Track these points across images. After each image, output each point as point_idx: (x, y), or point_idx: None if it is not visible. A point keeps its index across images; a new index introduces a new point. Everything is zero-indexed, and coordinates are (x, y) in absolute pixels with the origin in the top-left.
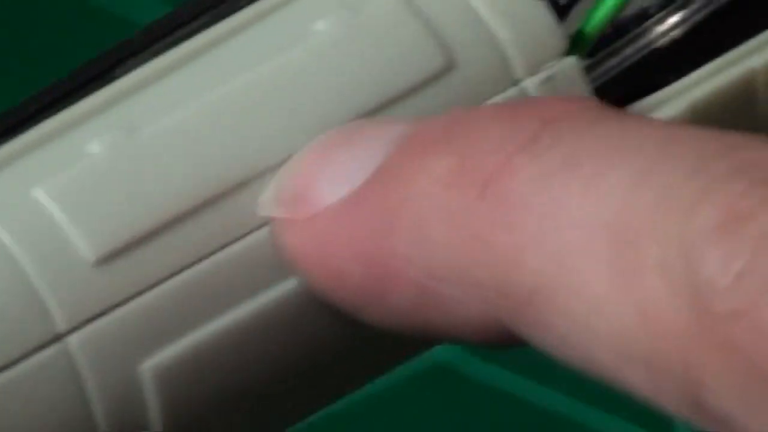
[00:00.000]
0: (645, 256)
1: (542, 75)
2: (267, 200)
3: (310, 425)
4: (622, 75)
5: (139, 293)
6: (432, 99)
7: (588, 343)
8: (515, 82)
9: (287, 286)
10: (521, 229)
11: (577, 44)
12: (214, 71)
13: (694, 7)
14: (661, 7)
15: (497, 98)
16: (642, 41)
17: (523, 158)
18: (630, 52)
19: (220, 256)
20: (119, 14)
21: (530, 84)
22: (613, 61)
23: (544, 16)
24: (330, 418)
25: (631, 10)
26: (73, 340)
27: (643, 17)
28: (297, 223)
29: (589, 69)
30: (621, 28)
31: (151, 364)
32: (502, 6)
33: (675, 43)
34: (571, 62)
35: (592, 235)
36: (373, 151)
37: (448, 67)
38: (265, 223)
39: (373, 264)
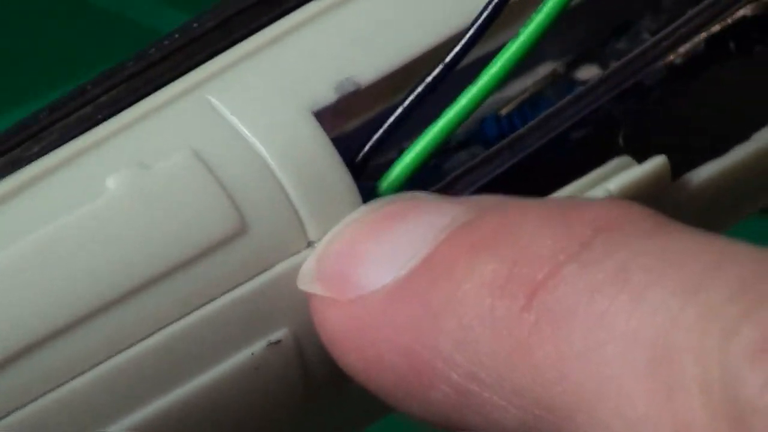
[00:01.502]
0: (685, 375)
1: None
2: (308, 274)
3: None
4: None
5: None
6: (224, 263)
7: None
8: (309, 244)
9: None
10: (566, 342)
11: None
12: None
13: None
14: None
15: (291, 260)
16: None
17: (573, 268)
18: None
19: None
20: (118, 14)
21: None
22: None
23: (340, 176)
24: None
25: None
26: None
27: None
28: (339, 304)
29: None
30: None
31: None
32: (296, 166)
33: None
34: None
35: (634, 352)
36: (422, 238)
37: (241, 230)
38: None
39: (415, 359)
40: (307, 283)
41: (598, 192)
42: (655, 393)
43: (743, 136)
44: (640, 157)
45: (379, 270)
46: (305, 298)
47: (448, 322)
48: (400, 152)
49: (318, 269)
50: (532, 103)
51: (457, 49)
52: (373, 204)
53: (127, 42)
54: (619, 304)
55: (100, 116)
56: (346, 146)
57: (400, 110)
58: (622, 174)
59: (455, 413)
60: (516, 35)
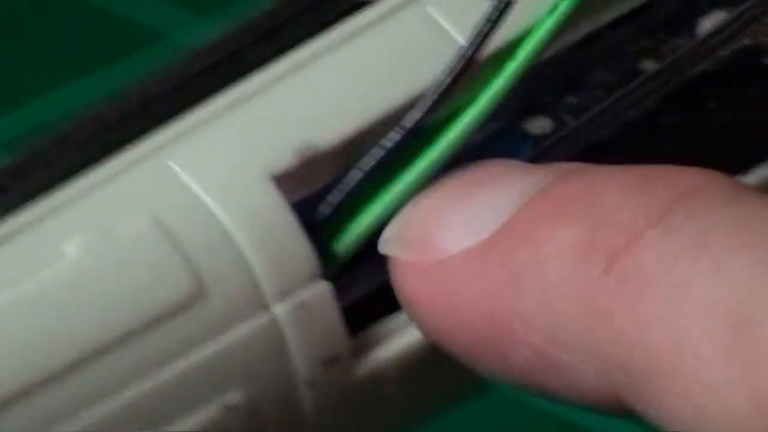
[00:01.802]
0: (764, 342)
1: (293, 301)
2: (390, 238)
3: None
4: (374, 293)
5: None
6: (180, 329)
7: (704, 426)
8: (266, 308)
9: None
10: (646, 308)
11: (329, 264)
12: None
13: None
14: None
15: (248, 324)
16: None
17: (654, 234)
18: (382, 271)
19: None
20: (119, 14)
21: (280, 310)
22: (365, 280)
23: (297, 240)
24: None
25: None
26: None
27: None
28: (420, 268)
29: (341, 287)
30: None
31: None
32: (255, 231)
33: None
34: (323, 287)
35: (714, 319)
36: (503, 203)
37: (198, 294)
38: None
39: (495, 323)
40: (388, 246)
41: None
42: (734, 359)
43: None
44: None
45: (461, 234)
46: (262, 361)
47: (529, 286)
48: (354, 212)
49: (400, 233)
50: (482, 156)
51: (417, 115)
52: (456, 171)
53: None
54: (699, 271)
55: (58, 181)
56: (307, 208)
57: (359, 174)
58: None
59: (535, 376)
60: (476, 99)
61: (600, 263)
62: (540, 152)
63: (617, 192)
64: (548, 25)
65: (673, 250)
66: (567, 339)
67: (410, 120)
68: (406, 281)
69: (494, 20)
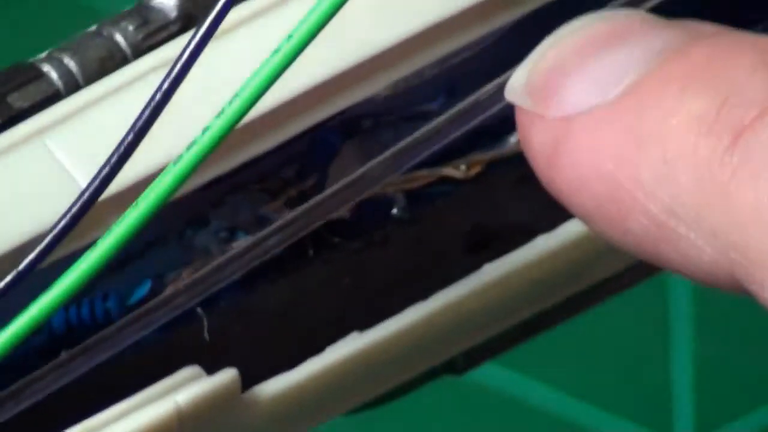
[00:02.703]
0: None
1: None
2: (517, 86)
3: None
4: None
5: None
6: None
7: None
8: None
9: None
10: (767, 188)
11: None
12: None
13: None
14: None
15: None
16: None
17: None
18: (30, 391)
19: None
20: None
21: None
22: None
23: None
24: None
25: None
26: None
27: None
28: (545, 121)
29: None
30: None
31: None
32: None
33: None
34: None
35: None
36: (633, 63)
37: None
38: None
39: (615, 187)
40: (515, 94)
41: (167, 404)
42: None
43: (317, 348)
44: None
45: (588, 91)
46: None
47: (651, 154)
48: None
49: (528, 81)
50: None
51: (32, 257)
52: (588, 20)
53: None
54: None
55: None
56: None
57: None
58: (191, 385)
59: (651, 246)
60: (94, 247)
61: (724, 139)
62: None
63: (750, 64)
64: (173, 173)
65: None
66: (685, 213)
67: (25, 263)
68: (531, 133)
69: (114, 164)
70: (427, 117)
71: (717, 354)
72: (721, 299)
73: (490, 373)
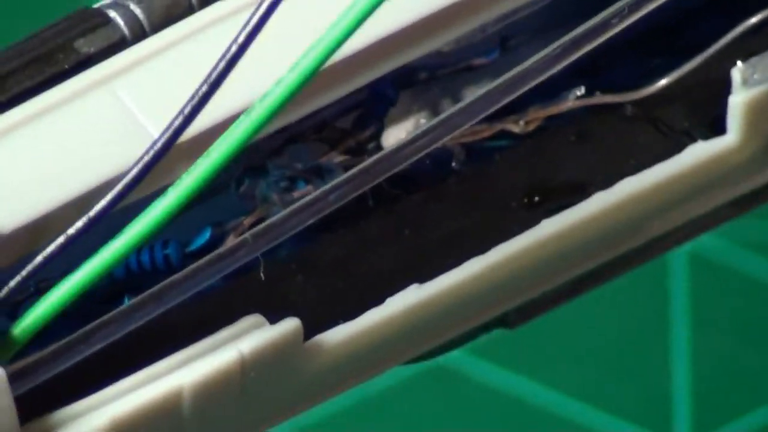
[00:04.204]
0: None
1: None
2: None
3: (308, 425)
4: (51, 382)
5: None
6: None
7: None
8: None
9: None
10: None
11: (5, 348)
12: None
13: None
14: None
15: None
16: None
17: None
18: (60, 359)
19: None
20: None
21: None
22: (43, 368)
23: None
24: (329, 416)
25: None
26: None
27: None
28: None
29: (17, 375)
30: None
31: None
32: None
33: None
34: None
35: None
36: None
37: None
38: None
39: None
40: None
41: (230, 352)
42: None
43: (377, 300)
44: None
45: None
46: None
47: None
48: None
49: None
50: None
51: (103, 205)
52: None
53: None
54: None
55: None
56: None
57: (40, 260)
58: (254, 334)
59: None
60: (165, 195)
61: None
62: None
63: None
64: (246, 124)
65: None
66: None
67: (97, 210)
68: None
69: (188, 115)
70: (480, 70)
71: (715, 354)
72: (721, 299)
73: (489, 373)
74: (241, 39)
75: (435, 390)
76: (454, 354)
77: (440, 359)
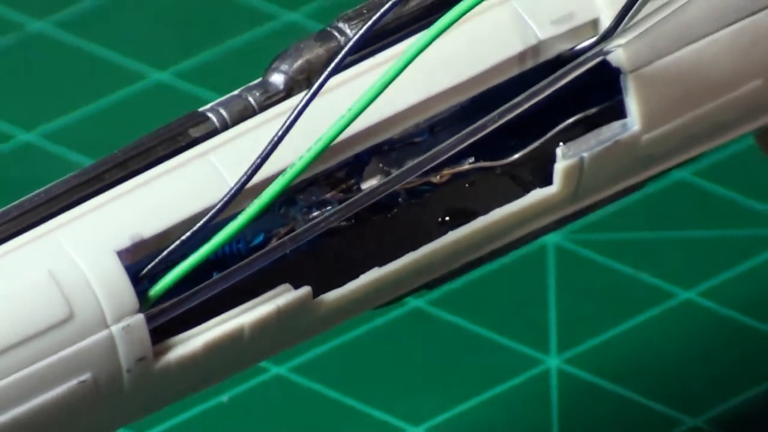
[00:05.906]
0: None
1: (122, 324)
2: None
3: (289, 369)
4: (171, 322)
5: None
6: (52, 344)
7: None
8: (107, 326)
9: None
10: None
11: (145, 303)
12: None
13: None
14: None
15: (97, 335)
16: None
17: None
18: (175, 308)
19: None
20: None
21: (115, 330)
22: (168, 313)
23: (126, 288)
24: (308, 361)
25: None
26: None
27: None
28: None
29: (152, 317)
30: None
31: None
32: (102, 281)
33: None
34: (139, 319)
35: None
36: None
37: (68, 316)
38: None
39: None
40: None
41: (270, 305)
42: None
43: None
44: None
45: None
46: (103, 356)
47: None
48: (165, 272)
49: None
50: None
51: (200, 222)
52: None
53: None
54: None
55: None
56: (139, 269)
57: (176, 244)
58: (285, 294)
59: None
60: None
61: None
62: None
63: None
64: (285, 176)
65: None
66: None
67: (200, 223)
68: None
69: (255, 167)
70: (418, 145)
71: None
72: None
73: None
74: (280, 132)
75: (410, 333)
76: (428, 300)
77: (414, 304)
